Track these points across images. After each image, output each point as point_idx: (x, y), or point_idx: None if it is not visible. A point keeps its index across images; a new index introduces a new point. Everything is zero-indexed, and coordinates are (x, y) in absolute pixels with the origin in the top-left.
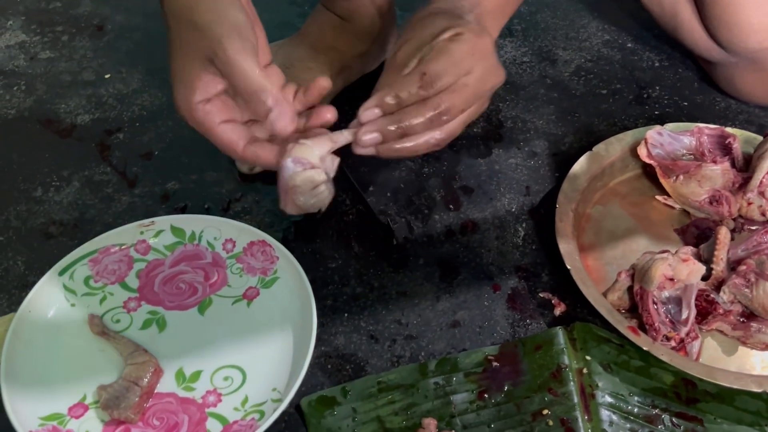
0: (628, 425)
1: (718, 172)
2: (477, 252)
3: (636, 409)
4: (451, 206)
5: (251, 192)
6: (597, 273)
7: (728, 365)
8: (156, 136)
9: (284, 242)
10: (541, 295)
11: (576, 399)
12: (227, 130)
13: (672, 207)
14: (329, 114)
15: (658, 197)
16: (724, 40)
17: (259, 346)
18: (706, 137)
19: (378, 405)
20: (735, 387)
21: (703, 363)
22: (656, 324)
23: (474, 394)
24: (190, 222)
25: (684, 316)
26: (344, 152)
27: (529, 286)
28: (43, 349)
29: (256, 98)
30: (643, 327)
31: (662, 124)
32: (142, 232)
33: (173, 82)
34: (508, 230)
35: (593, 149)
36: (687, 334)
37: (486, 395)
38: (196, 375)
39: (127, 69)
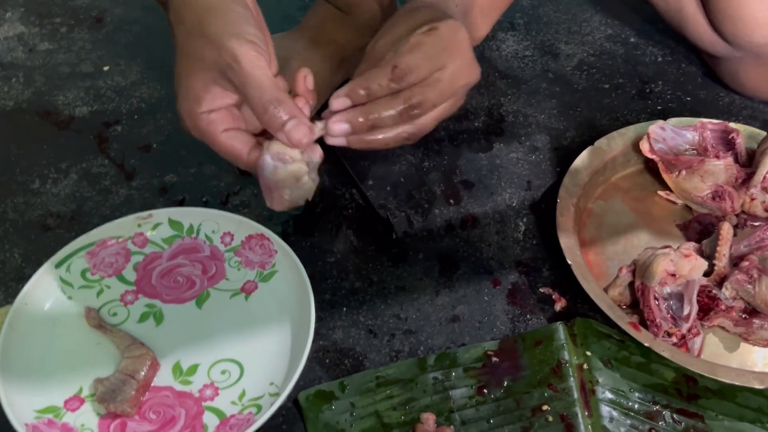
0: (628, 421)
1: (721, 168)
2: (477, 247)
3: (636, 406)
4: (451, 201)
5: (250, 185)
6: (598, 268)
7: (730, 362)
8: (154, 129)
9: (283, 236)
10: (541, 290)
11: (576, 395)
12: (231, 137)
13: (674, 202)
14: (307, 82)
15: (660, 192)
16: (729, 34)
17: (256, 340)
18: (709, 132)
19: (376, 400)
20: (737, 384)
21: (704, 359)
22: (657, 320)
23: (473, 389)
24: (188, 215)
25: (686, 312)
26: (343, 146)
27: (530, 281)
28: (39, 341)
29: (272, 111)
30: (644, 323)
31: (665, 119)
32: (139, 225)
33: (178, 92)
34: (509, 225)
35: (595, 144)
36: (688, 331)
37: (485, 390)
38: (193, 369)
39: (126, 61)
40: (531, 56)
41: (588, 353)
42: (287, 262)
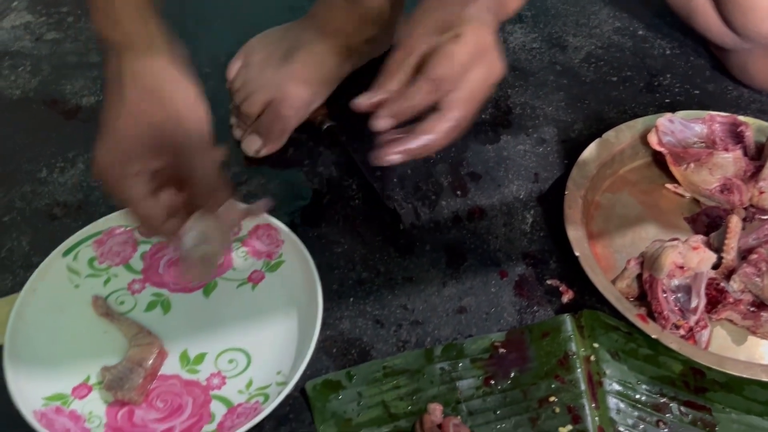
0: (635, 413)
1: (730, 161)
2: (484, 238)
3: (644, 398)
4: (458, 192)
5: (257, 175)
6: (606, 261)
7: (737, 355)
8: None
9: (290, 227)
10: (548, 282)
11: (583, 386)
12: (151, 206)
13: (682, 195)
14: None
15: (668, 185)
16: (739, 24)
17: (263, 330)
18: (718, 125)
19: (383, 390)
20: (745, 376)
21: (712, 352)
22: (665, 312)
23: (480, 380)
24: None
25: (693, 304)
26: (350, 137)
27: (537, 273)
28: (46, 329)
29: (213, 199)
30: (651, 315)
31: (673, 112)
32: None
33: (105, 138)
34: (516, 217)
35: (603, 136)
36: (696, 323)
37: (492, 381)
38: (201, 357)
39: None
40: (539, 48)
41: (595, 345)
42: (294, 252)
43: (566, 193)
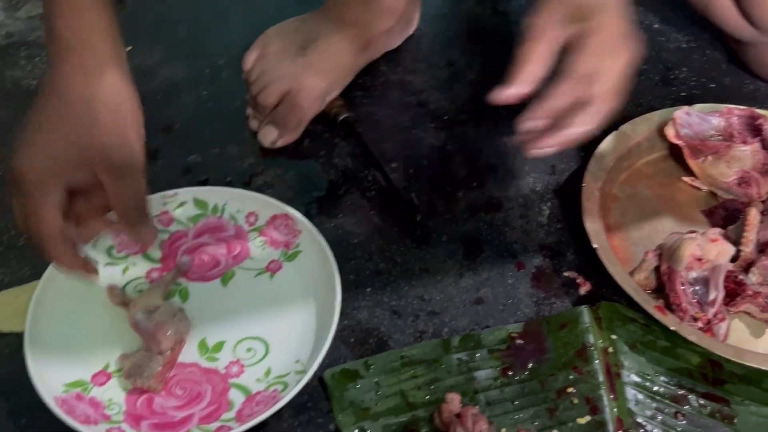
0: (654, 404)
1: (748, 153)
2: (501, 230)
3: (662, 389)
4: (474, 184)
5: (273, 166)
6: (623, 253)
7: (756, 347)
8: (177, 110)
9: (306, 217)
10: (565, 274)
11: (601, 378)
12: (63, 246)
13: (698, 189)
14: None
15: (684, 178)
16: (756, 16)
17: (281, 319)
18: (735, 118)
19: (401, 379)
20: (763, 368)
21: (730, 344)
22: (683, 305)
23: (498, 371)
24: (213, 194)
25: (712, 297)
26: (366, 128)
27: (554, 265)
28: (66, 317)
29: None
30: (669, 308)
31: (689, 105)
32: (165, 203)
33: (29, 143)
34: (533, 209)
35: (620, 128)
36: (714, 316)
37: (510, 372)
38: (219, 346)
39: (148, 42)
40: None
41: (613, 337)
42: (312, 242)
43: (583, 185)
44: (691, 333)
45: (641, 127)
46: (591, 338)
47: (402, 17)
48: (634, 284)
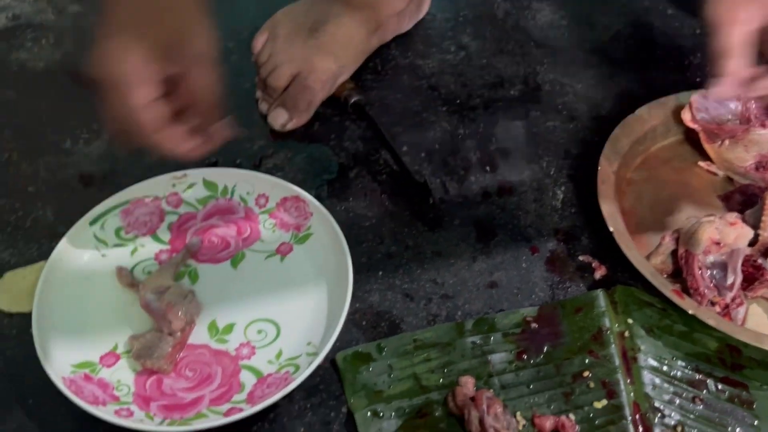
0: (671, 389)
1: (767, 137)
2: (514, 214)
3: (679, 374)
4: (487, 168)
5: (283, 149)
6: (638, 238)
7: None
8: None
9: (317, 200)
10: (580, 258)
11: (618, 362)
12: (174, 133)
13: (714, 173)
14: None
15: (700, 163)
16: None
17: (292, 301)
18: (753, 102)
19: (414, 362)
20: None
21: (749, 328)
22: (701, 289)
23: (512, 355)
24: (223, 175)
25: (729, 281)
26: (377, 111)
27: (569, 249)
28: (73, 298)
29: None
30: (686, 292)
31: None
32: (174, 185)
33: (113, 45)
34: (547, 193)
35: (635, 112)
36: (732, 300)
37: (525, 356)
38: (230, 327)
39: None
40: (567, 26)
41: (629, 321)
42: (323, 224)
43: (599, 168)
44: (709, 317)
45: (657, 111)
46: (607, 322)
47: (413, 0)
48: (651, 268)
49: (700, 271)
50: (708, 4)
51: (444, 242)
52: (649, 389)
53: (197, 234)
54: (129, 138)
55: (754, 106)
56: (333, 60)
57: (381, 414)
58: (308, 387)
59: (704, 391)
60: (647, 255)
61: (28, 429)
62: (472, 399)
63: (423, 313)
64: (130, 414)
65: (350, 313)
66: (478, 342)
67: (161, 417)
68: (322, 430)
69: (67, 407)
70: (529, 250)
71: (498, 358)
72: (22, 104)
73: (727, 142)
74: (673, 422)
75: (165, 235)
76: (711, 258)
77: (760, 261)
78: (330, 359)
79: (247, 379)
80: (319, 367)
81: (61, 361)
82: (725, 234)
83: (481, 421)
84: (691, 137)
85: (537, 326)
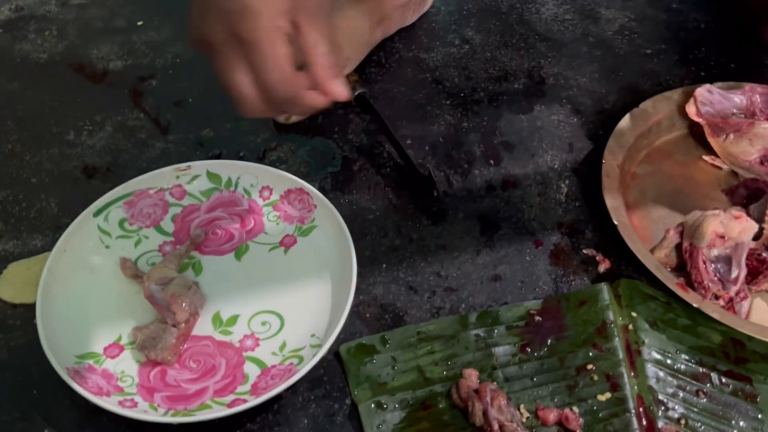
0: (675, 382)
1: None
2: (518, 207)
3: (683, 367)
4: (491, 161)
5: (287, 141)
6: (642, 231)
7: None
8: (189, 85)
9: (321, 192)
10: (584, 251)
11: (621, 355)
12: (304, 87)
13: (719, 167)
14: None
15: (705, 157)
16: None
17: (296, 293)
18: (758, 96)
19: (418, 354)
20: None
21: (753, 322)
22: (705, 282)
23: (516, 347)
24: (227, 168)
25: (734, 275)
26: (382, 103)
27: (573, 243)
28: (77, 289)
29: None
30: (690, 285)
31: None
32: (177, 177)
33: (248, 21)
34: (551, 187)
35: (640, 106)
36: (736, 294)
37: (528, 349)
38: (233, 319)
39: (160, 18)
40: (571, 20)
41: (633, 314)
42: (327, 217)
43: (603, 162)
44: (714, 310)
45: (661, 105)
46: (611, 315)
47: None
48: (656, 261)
49: (704, 265)
50: None
51: (448, 235)
52: (652, 382)
53: (201, 226)
54: (270, 97)
55: (759, 99)
56: (338, 52)
57: (385, 406)
58: (312, 379)
59: (708, 385)
60: (651, 248)
61: (32, 419)
62: (476, 391)
63: (427, 305)
64: (134, 405)
65: (354, 306)
66: (481, 335)
67: (165, 408)
68: (326, 422)
69: (71, 398)
70: (533, 243)
71: (502, 351)
72: (25, 96)
73: (731, 136)
74: (676, 415)
75: (169, 226)
76: (715, 251)
77: (764, 255)
78: (334, 351)
79: (251, 370)
80: (323, 359)
81: (66, 352)
82: (730, 228)
83: (485, 414)
84: (695, 131)
85: (541, 319)
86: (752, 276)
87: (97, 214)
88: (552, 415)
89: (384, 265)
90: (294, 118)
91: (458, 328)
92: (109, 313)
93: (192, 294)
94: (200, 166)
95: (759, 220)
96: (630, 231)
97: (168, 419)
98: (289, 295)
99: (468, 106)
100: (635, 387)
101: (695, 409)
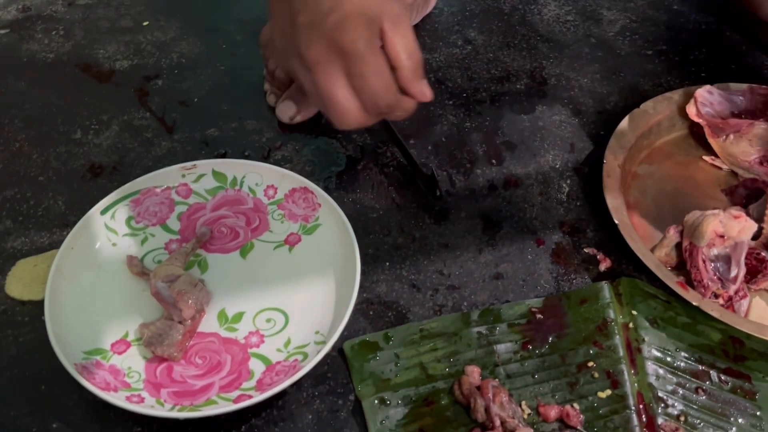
0: (675, 380)
1: None
2: (520, 207)
3: (683, 365)
4: (493, 161)
5: (291, 141)
6: (642, 231)
7: None
8: (195, 84)
9: (325, 191)
10: (585, 250)
11: (622, 352)
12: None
13: (719, 168)
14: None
15: (705, 157)
16: None
17: (301, 291)
18: (758, 97)
19: (420, 351)
20: None
21: (752, 320)
22: (705, 281)
23: (518, 345)
24: (232, 167)
25: (733, 273)
26: None
27: (574, 242)
28: (85, 286)
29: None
30: (690, 284)
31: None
32: (183, 175)
33: (348, 33)
34: (552, 186)
35: (641, 107)
36: (736, 293)
37: (530, 346)
38: (239, 316)
39: (166, 18)
40: (573, 21)
41: (634, 312)
42: (331, 215)
43: (604, 161)
44: (713, 309)
45: (662, 106)
46: (611, 314)
47: None
48: (656, 260)
49: (704, 264)
50: None
51: (450, 234)
52: (652, 379)
53: (206, 224)
54: (373, 105)
55: (759, 100)
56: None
57: (388, 402)
58: (316, 375)
59: (707, 382)
60: (652, 247)
61: (41, 414)
62: (478, 388)
63: (429, 303)
64: (141, 400)
65: (358, 303)
66: (483, 332)
67: (172, 403)
68: (330, 418)
69: (79, 393)
70: (535, 242)
71: (503, 348)
72: (32, 95)
73: (731, 136)
74: (676, 412)
75: (175, 224)
76: (715, 251)
77: (763, 254)
78: (338, 348)
79: (256, 366)
80: (327, 356)
81: (73, 348)
82: (729, 227)
83: (487, 410)
84: (695, 132)
85: (542, 317)
86: (751, 275)
87: (104, 212)
88: (553, 412)
89: (387, 264)
90: (298, 118)
91: (460, 325)
92: (116, 309)
93: (198, 291)
94: (206, 164)
95: (758, 220)
96: (630, 230)
97: (174, 414)
98: (294, 293)
99: (470, 107)
100: (635, 384)
101: (694, 406)
